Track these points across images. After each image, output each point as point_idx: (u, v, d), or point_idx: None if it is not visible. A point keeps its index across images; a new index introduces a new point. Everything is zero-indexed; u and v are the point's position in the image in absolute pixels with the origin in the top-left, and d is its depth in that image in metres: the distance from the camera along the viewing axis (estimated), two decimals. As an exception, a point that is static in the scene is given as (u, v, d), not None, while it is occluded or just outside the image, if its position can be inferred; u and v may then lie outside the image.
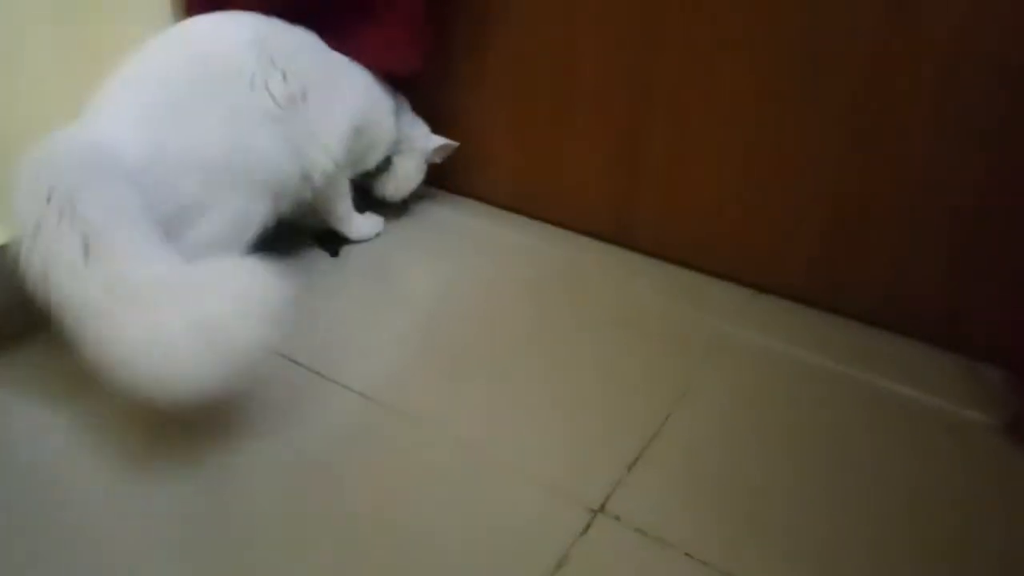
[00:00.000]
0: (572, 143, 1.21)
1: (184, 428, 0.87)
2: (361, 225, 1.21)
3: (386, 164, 1.23)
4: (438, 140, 1.26)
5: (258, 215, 0.99)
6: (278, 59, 0.98)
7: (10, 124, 0.92)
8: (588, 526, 0.76)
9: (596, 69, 1.14)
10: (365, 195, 1.25)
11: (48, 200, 0.75)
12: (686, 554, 0.73)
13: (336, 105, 1.06)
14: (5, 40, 0.91)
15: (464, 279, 1.15)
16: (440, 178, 1.37)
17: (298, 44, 1.04)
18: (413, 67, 1.14)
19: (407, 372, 0.97)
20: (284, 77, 0.98)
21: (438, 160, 1.29)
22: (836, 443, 0.88)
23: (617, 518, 0.77)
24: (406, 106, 1.25)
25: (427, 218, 1.32)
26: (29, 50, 0.93)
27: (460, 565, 0.72)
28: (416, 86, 1.30)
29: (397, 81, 1.20)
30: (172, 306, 0.73)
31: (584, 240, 1.25)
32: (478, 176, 1.34)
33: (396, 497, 0.79)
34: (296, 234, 1.21)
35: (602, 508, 0.78)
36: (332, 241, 1.19)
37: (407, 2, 1.10)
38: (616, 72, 1.12)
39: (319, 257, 1.19)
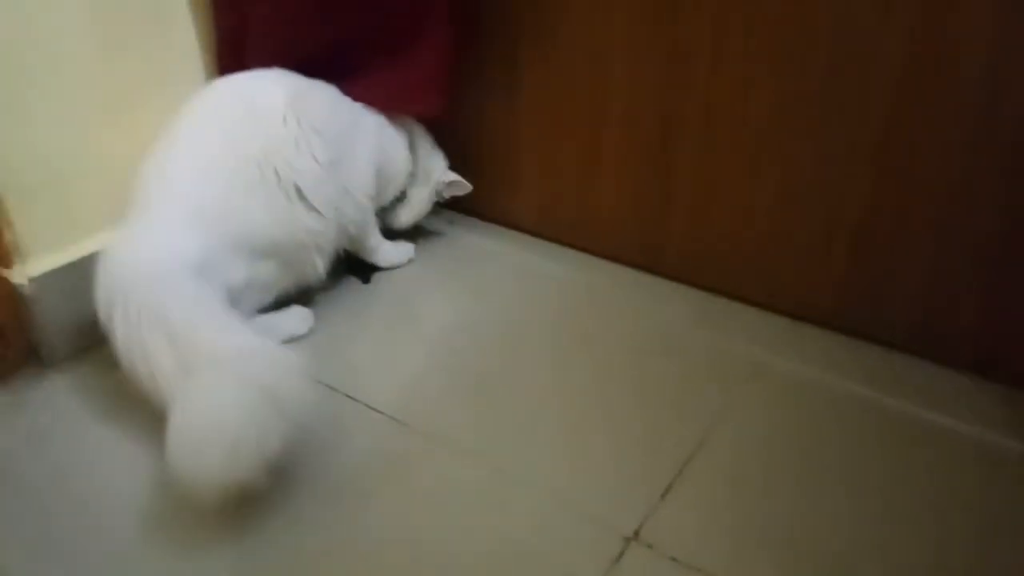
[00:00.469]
0: (601, 170, 1.21)
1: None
2: (391, 253, 1.23)
3: (401, 195, 1.24)
4: (452, 176, 1.27)
5: (302, 275, 1.04)
6: (316, 123, 1.00)
7: (61, 161, 0.96)
8: (622, 554, 0.76)
9: (626, 95, 1.14)
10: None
11: (128, 318, 0.81)
12: (720, 583, 0.73)
13: (359, 156, 1.09)
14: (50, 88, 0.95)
15: (492, 305, 1.16)
16: (468, 204, 1.38)
17: (329, 104, 1.05)
18: (436, 110, 1.16)
19: (438, 397, 0.97)
20: (323, 140, 1.00)
21: (447, 196, 1.29)
22: (871, 472, 0.87)
23: (650, 546, 0.76)
24: (424, 137, 1.26)
25: (456, 245, 1.33)
26: (70, 89, 0.97)
27: (493, 593, 0.72)
28: (444, 113, 1.32)
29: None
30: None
31: (612, 266, 1.25)
32: (506, 202, 1.35)
33: (428, 522, 0.80)
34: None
35: (636, 536, 0.77)
36: (363, 269, 1.21)
37: (430, 45, 1.11)
38: (646, 100, 1.13)
39: (352, 284, 1.20)
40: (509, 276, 1.24)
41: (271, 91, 0.99)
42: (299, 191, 0.97)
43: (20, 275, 0.95)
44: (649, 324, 1.12)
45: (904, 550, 0.77)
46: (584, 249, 1.29)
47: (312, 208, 0.99)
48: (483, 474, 0.85)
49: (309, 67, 1.05)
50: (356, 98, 1.10)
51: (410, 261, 1.25)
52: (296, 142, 0.97)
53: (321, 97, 1.05)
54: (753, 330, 1.10)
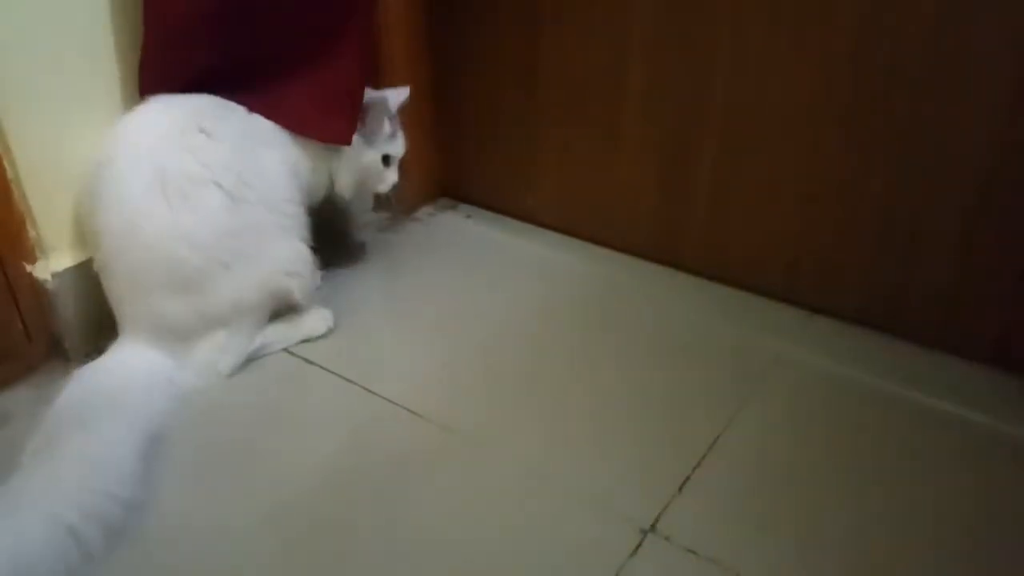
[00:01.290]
0: (620, 163, 1.21)
1: (246, 450, 0.89)
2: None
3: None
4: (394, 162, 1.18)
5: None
6: (230, 162, 0.95)
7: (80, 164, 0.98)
8: (639, 546, 0.75)
9: (646, 88, 1.14)
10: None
11: None
12: (736, 575, 0.72)
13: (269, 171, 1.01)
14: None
15: (511, 300, 1.16)
16: (486, 199, 1.38)
17: (238, 132, 0.99)
18: (345, 139, 1.08)
19: (456, 391, 0.98)
20: (239, 176, 0.95)
21: (381, 188, 1.18)
22: (891, 466, 0.86)
23: (668, 538, 0.76)
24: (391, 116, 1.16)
25: (474, 239, 1.33)
26: (88, 96, 0.99)
27: (511, 585, 0.73)
28: (464, 107, 1.32)
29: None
30: None
31: (632, 260, 1.25)
32: (524, 197, 1.35)
33: (448, 515, 0.80)
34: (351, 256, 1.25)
35: (653, 528, 0.77)
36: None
37: (342, 69, 1.05)
38: (666, 91, 1.12)
39: (369, 281, 1.21)
40: (528, 270, 1.24)
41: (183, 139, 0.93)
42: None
43: (43, 271, 0.97)
44: (669, 318, 1.11)
45: (926, 542, 0.76)
46: (603, 243, 1.28)
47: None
48: (501, 467, 0.86)
49: (214, 85, 0.99)
50: (267, 116, 1.02)
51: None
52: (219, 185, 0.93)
53: (229, 129, 0.98)
54: (774, 323, 1.09)
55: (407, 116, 1.18)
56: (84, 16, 0.95)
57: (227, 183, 0.93)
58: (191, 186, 0.91)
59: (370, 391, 0.97)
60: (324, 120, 1.06)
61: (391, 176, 1.16)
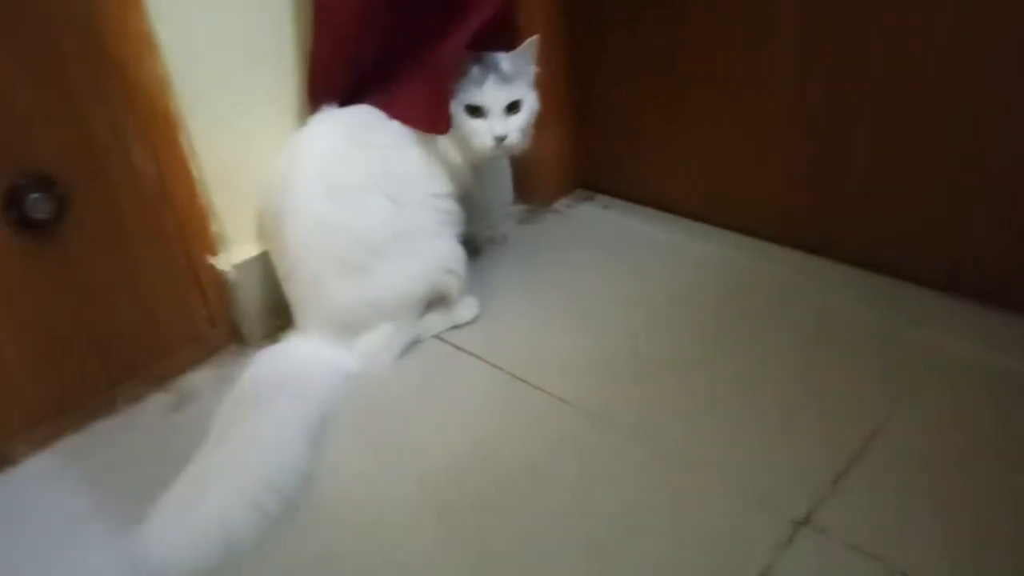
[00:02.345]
0: (767, 149, 1.18)
1: (403, 430, 0.95)
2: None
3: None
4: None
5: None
6: (389, 169, 1.02)
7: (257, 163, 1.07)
8: (792, 538, 0.75)
9: (793, 64, 1.10)
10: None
11: None
12: (902, 573, 0.70)
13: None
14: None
15: (652, 289, 1.17)
16: (624, 188, 1.39)
17: (389, 138, 1.04)
18: (438, 128, 1.05)
19: (602, 379, 1.00)
20: (398, 181, 1.02)
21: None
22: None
23: (823, 531, 0.75)
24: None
25: (613, 229, 1.34)
26: (261, 105, 1.08)
27: (661, 572, 0.74)
28: (601, 97, 1.33)
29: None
30: None
31: (775, 248, 1.22)
32: (668, 186, 1.34)
33: (597, 502, 0.82)
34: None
35: (806, 521, 0.76)
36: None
37: (440, 62, 1.03)
38: (815, 68, 1.08)
39: (510, 268, 1.24)
40: (668, 258, 1.23)
41: (352, 155, 1.01)
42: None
43: (224, 262, 1.06)
44: (819, 308, 1.08)
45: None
46: (744, 231, 1.26)
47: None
48: (649, 457, 0.87)
49: (360, 91, 1.06)
50: (386, 113, 1.05)
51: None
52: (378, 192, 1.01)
53: (381, 138, 1.04)
54: (931, 312, 1.04)
55: (544, 108, 1.09)
56: (266, 26, 1.03)
57: (389, 189, 1.01)
58: (358, 195, 0.99)
59: (516, 376, 1.01)
60: (424, 108, 1.04)
61: (481, 128, 1.03)
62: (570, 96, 1.37)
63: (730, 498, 0.80)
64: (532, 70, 1.07)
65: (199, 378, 1.06)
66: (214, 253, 1.06)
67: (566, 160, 1.43)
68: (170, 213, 1.00)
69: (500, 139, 1.03)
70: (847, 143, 1.09)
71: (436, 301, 1.09)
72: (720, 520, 0.78)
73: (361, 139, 1.02)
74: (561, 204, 1.43)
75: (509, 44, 1.05)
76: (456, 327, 1.11)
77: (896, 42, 1.00)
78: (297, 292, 1.04)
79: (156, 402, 1.02)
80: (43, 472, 0.93)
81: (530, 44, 1.05)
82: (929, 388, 0.92)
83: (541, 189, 1.41)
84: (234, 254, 1.07)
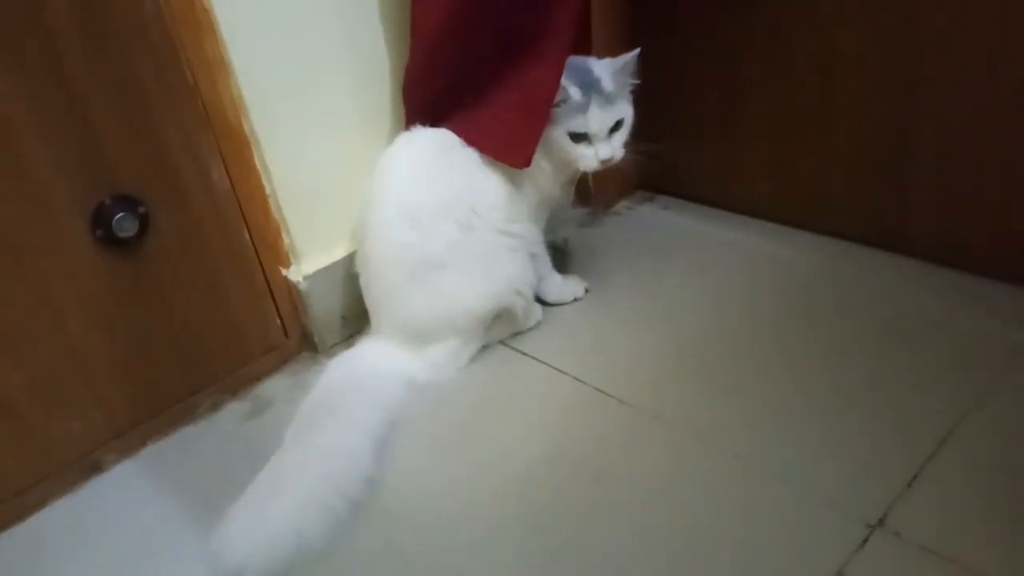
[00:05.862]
0: (833, 144, 1.16)
1: (470, 434, 0.97)
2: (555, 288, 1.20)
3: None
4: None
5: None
6: (462, 194, 1.04)
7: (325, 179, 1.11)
8: (866, 540, 0.74)
9: (859, 61, 1.08)
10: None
11: None
12: (980, 577, 0.69)
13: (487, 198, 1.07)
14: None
15: (715, 289, 1.16)
16: (684, 188, 1.38)
17: (464, 163, 1.06)
18: (520, 163, 1.04)
19: (667, 380, 1.00)
20: (470, 207, 1.04)
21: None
22: None
23: (897, 533, 0.74)
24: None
25: (674, 230, 1.34)
26: (329, 122, 1.11)
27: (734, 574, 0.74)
28: (662, 96, 1.33)
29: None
30: None
31: (844, 245, 1.19)
32: (730, 185, 1.32)
33: (667, 506, 0.82)
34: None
35: (880, 523, 0.75)
36: None
37: (532, 85, 1.02)
38: (882, 65, 1.06)
39: (572, 272, 1.25)
40: (731, 258, 1.22)
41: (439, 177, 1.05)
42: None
43: (296, 273, 1.10)
44: (892, 305, 1.06)
45: None
46: (811, 228, 1.24)
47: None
48: (718, 459, 0.87)
49: (440, 113, 1.07)
50: (463, 139, 1.06)
51: (575, 300, 1.19)
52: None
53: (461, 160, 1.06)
54: (1009, 309, 1.01)
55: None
56: (342, 48, 1.06)
57: (460, 214, 1.03)
58: (432, 219, 1.02)
59: (579, 380, 1.01)
60: (506, 140, 1.04)
61: (587, 153, 1.03)
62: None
63: (802, 500, 0.79)
64: (631, 83, 1.06)
65: (273, 386, 1.10)
66: (287, 265, 1.10)
67: (626, 161, 1.42)
68: (245, 228, 1.05)
69: (606, 161, 1.05)
70: (914, 134, 1.06)
71: (503, 313, 1.11)
72: (793, 523, 0.77)
73: (443, 161, 1.05)
74: (622, 206, 1.43)
75: (584, 46, 1.06)
76: (520, 332, 1.12)
77: (962, 32, 0.97)
78: (374, 300, 1.08)
79: (233, 410, 1.06)
80: (130, 478, 0.98)
81: (632, 58, 1.04)
82: (1004, 386, 0.89)
83: (602, 192, 1.42)
84: (305, 266, 1.11)
